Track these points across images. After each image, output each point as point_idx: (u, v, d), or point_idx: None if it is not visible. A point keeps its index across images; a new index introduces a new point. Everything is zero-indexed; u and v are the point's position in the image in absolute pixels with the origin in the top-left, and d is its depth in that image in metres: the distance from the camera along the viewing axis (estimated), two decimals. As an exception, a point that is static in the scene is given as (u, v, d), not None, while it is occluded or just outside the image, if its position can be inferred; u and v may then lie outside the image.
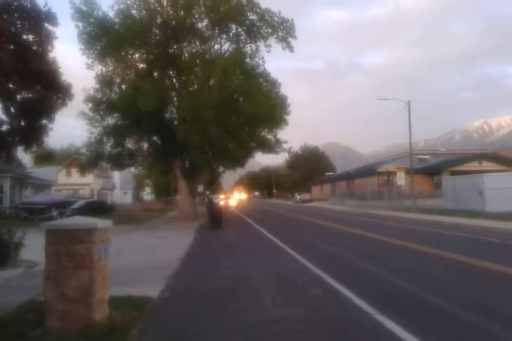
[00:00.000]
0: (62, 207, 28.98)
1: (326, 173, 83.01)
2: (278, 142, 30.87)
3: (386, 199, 42.28)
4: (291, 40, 27.03)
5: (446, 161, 57.97)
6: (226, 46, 28.80)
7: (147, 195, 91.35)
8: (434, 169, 53.04)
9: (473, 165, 55.05)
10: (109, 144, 28.26)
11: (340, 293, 6.99)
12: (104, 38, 25.01)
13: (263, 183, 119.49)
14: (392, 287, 7.39)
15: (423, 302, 6.33)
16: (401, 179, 34.39)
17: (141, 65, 28.14)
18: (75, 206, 31.40)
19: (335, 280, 7.83)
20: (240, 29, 27.87)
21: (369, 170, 55.69)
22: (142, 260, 11.04)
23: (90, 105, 26.52)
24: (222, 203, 23.39)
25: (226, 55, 27.20)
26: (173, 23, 26.84)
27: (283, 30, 26.93)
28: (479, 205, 25.67)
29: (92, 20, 25.24)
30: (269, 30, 27.05)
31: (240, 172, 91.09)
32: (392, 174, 40.70)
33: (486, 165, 55.29)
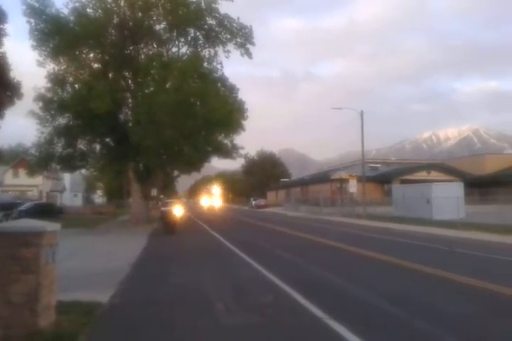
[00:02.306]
0: (9, 208, 27.80)
1: (282, 179, 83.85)
2: (234, 147, 30.92)
3: (339, 205, 43.13)
4: (249, 46, 27.23)
5: (396, 170, 59.91)
6: (184, 49, 28.64)
7: (98, 197, 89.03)
8: (385, 177, 54.63)
9: (422, 175, 57.18)
10: (59, 145, 27.32)
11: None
12: (57, 35, 24.26)
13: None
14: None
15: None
16: (353, 186, 35.22)
17: (96, 65, 27.48)
18: (22, 208, 30.19)
19: (286, 284, 7.94)
20: (198, 33, 27.79)
21: (323, 177, 56.71)
22: (92, 265, 10.75)
23: (41, 104, 25.59)
24: (176, 208, 23.10)
25: (183, 59, 27.02)
26: (130, 23, 26.43)
27: (241, 37, 27.08)
28: (427, 213, 26.70)
29: (44, 17, 24.45)
30: (228, 36, 27.14)
31: (196, 176, 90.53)
32: (345, 181, 41.59)
33: (434, 174, 57.60)
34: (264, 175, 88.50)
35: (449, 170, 66.41)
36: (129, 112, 27.85)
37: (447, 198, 25.84)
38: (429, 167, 65.47)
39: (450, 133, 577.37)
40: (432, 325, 5.47)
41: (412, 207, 28.82)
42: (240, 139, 30.99)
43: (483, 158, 79.15)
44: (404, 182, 47.55)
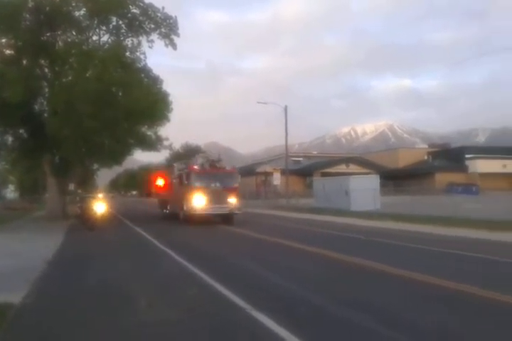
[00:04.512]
0: None
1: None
2: (159, 139, 30.25)
3: (263, 198, 43.92)
4: (174, 37, 26.67)
5: (317, 163, 61.92)
6: (105, 38, 27.42)
7: (11, 192, 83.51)
8: (306, 170, 56.30)
9: (341, 168, 59.72)
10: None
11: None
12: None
13: (142, 182, 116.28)
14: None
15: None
16: (277, 179, 36.05)
17: (8, 51, 25.58)
18: None
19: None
20: (120, 22, 26.72)
21: (248, 171, 57.37)
22: (3, 263, 10.09)
23: None
24: (96, 203, 22.23)
25: (105, 47, 25.93)
26: (47, 8, 24.79)
27: (166, 27, 26.44)
28: (346, 205, 27.97)
29: None
30: (152, 26, 26.37)
31: (117, 170, 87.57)
32: (269, 174, 42.43)
33: (353, 167, 60.40)
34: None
35: (366, 163, 69.91)
36: (45, 102, 26.31)
37: (364, 190, 27.26)
38: (347, 160, 68.38)
39: (367, 128, 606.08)
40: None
41: (331, 198, 30.02)
42: (164, 132, 30.38)
43: (396, 152, 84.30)
44: (324, 174, 49.37)
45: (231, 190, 21.10)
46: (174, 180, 24.51)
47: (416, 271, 8.19)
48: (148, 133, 29.73)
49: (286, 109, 35.27)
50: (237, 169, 24.91)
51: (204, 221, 21.10)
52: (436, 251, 11.30)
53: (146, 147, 30.21)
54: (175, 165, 26.77)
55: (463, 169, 67.05)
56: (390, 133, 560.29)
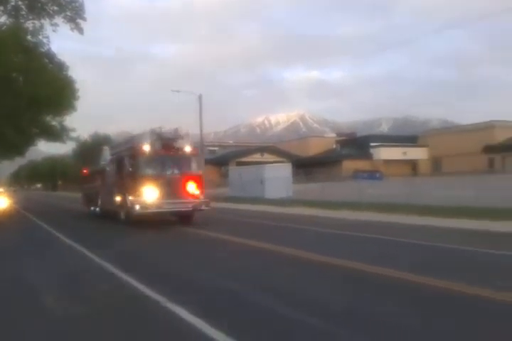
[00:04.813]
0: None
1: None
2: (64, 129, 28.72)
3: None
4: (80, 21, 25.34)
5: (233, 153, 62.49)
6: (3, 19, 25.38)
7: None
8: (222, 160, 56.63)
9: (256, 157, 60.88)
10: None
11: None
12: None
13: (46, 174, 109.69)
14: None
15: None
16: (192, 169, 35.86)
17: None
18: None
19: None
20: (20, 2, 24.87)
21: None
22: None
23: None
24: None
25: (3, 29, 24.00)
26: None
27: (71, 10, 25.00)
28: (260, 193, 28.69)
29: None
30: (56, 8, 24.80)
31: (20, 161, 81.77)
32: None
33: (267, 156, 61.79)
34: (97, 159, 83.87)
35: (279, 152, 71.87)
36: None
37: (278, 178, 28.17)
38: (262, 149, 69.80)
39: (280, 118, 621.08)
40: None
41: (246, 187, 30.62)
42: (70, 121, 28.82)
43: (307, 141, 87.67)
44: (240, 164, 49.99)
45: (194, 179, 15.86)
46: (108, 167, 18.83)
47: (325, 254, 8.75)
48: (53, 123, 28.11)
49: (200, 97, 35.12)
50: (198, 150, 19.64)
51: (153, 220, 16.37)
52: (343, 234, 12.14)
53: (50, 137, 28.58)
54: (105, 147, 21.88)
55: (368, 156, 71.43)
56: (301, 123, 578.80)
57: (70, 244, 11.37)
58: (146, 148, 15.37)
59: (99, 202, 19.84)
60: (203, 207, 15.49)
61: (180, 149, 15.89)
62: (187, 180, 15.47)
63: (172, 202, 14.99)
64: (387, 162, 68.30)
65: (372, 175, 56.74)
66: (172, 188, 15.11)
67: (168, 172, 15.64)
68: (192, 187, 15.47)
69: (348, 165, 65.25)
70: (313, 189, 30.02)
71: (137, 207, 14.63)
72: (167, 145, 15.77)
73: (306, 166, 60.48)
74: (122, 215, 16.02)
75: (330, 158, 72.40)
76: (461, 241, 9.93)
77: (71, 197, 67.94)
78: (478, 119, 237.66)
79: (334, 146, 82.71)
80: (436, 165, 70.45)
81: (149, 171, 15.35)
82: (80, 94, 26.82)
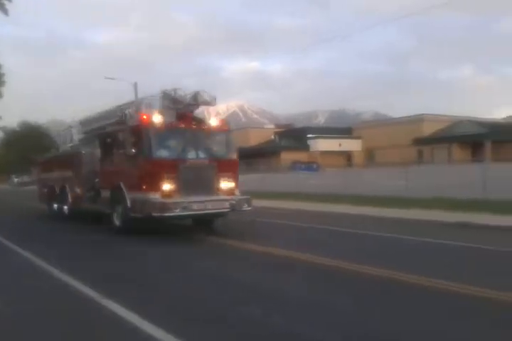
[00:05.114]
0: None
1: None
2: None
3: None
4: (5, 2, 23.65)
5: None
6: None
7: None
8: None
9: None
10: None
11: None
12: None
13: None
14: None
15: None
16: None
17: None
18: None
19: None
20: None
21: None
22: None
23: None
24: None
25: None
26: None
27: (-6, -12, 23.33)
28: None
29: None
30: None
31: None
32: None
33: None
34: (29, 148, 79.62)
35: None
36: None
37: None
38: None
39: (220, 108, 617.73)
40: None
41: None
42: (-4, 108, 27.15)
43: (247, 131, 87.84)
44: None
45: (228, 166, 10.90)
46: (85, 150, 13.33)
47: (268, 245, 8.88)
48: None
49: (135, 85, 34.13)
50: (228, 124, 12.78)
51: (157, 226, 11.13)
52: (281, 224, 12.44)
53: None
54: (72, 126, 15.72)
55: (305, 148, 72.95)
56: (240, 113, 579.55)
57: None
58: (157, 118, 10.25)
59: (69, 199, 14.10)
60: (245, 207, 10.51)
61: (204, 122, 11.20)
62: (221, 168, 10.54)
63: (202, 200, 9.90)
64: (324, 153, 70.10)
65: (310, 166, 58.02)
66: (200, 180, 10.27)
67: (191, 156, 10.45)
68: (227, 179, 10.69)
69: (286, 156, 66.33)
70: (252, 180, 30.15)
71: (150, 207, 9.52)
72: (185, 117, 10.83)
73: (246, 157, 60.65)
74: (116, 220, 10.73)
75: (269, 148, 73.19)
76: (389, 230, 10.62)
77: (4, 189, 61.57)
78: (408, 112, 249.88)
79: (273, 137, 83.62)
80: (370, 156, 73.18)
81: (164, 153, 10.30)
82: (5, 79, 25.29)
